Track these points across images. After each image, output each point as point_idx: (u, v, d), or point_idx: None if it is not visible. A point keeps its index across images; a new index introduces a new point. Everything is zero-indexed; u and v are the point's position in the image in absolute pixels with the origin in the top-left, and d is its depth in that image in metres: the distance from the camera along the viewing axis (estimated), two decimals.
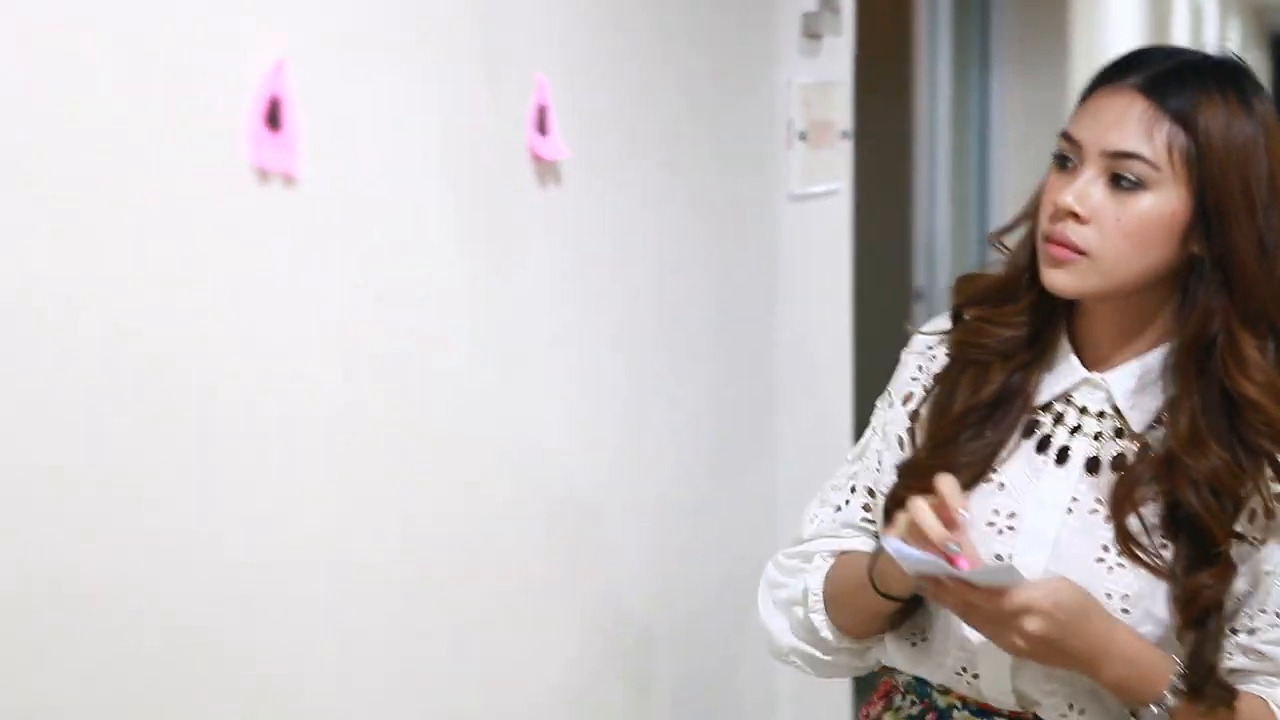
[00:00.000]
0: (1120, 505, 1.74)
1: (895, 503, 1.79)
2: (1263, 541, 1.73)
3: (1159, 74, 1.72)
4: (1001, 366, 1.81)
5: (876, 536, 1.88)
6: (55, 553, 1.15)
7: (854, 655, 1.91)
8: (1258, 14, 19.66)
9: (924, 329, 1.90)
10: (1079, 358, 1.80)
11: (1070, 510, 1.76)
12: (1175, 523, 1.72)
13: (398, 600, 1.63)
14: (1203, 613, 1.71)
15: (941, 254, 5.16)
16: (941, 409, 1.83)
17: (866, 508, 1.86)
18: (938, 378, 1.85)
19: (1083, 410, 1.80)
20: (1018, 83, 5.76)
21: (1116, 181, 1.70)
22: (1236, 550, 1.72)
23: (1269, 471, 1.71)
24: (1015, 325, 1.80)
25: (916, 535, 1.66)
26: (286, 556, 1.44)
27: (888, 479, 1.82)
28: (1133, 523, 1.73)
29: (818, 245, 2.96)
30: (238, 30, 1.33)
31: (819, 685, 2.58)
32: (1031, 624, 1.64)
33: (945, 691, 1.82)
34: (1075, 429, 1.79)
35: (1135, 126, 1.70)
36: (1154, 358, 1.76)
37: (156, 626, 1.26)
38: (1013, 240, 1.83)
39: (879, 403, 1.92)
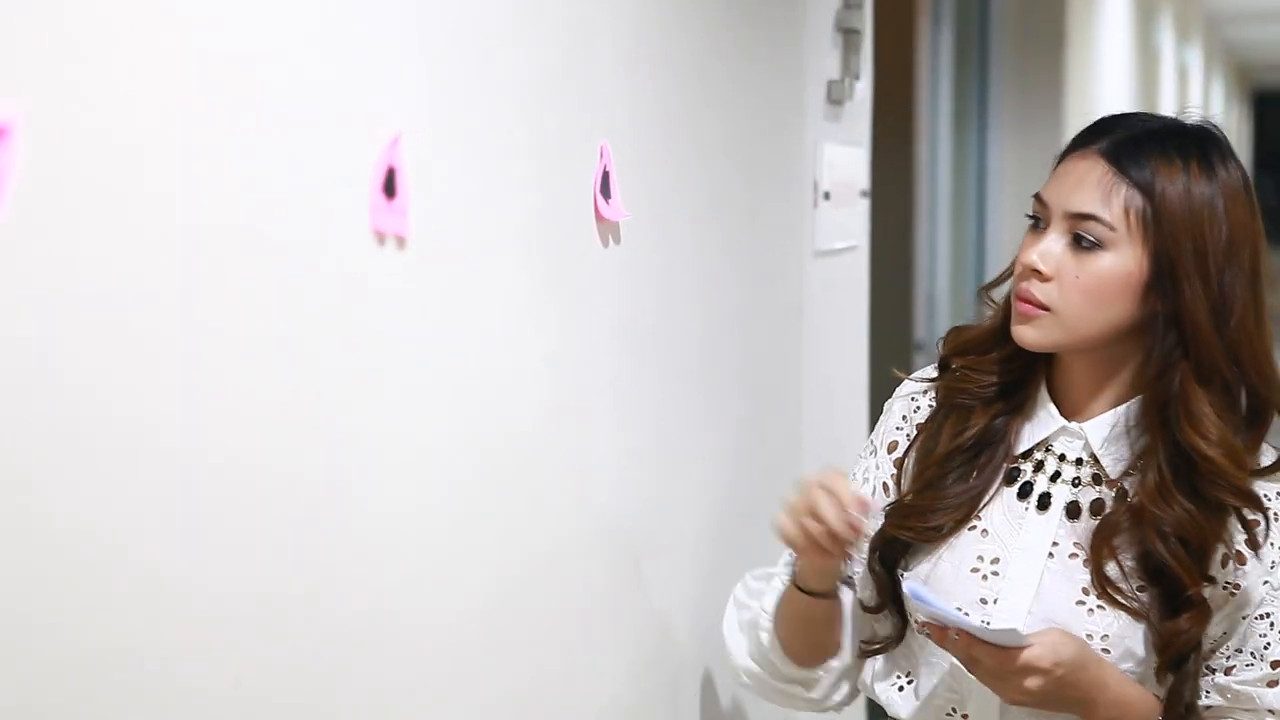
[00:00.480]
0: (1098, 552, 1.76)
1: (885, 542, 1.84)
2: (1236, 586, 1.76)
3: (1122, 140, 1.75)
4: (984, 411, 1.83)
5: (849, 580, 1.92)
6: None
7: (805, 687, 1.93)
8: (1240, 73, 19.84)
9: (911, 377, 1.93)
10: (1058, 407, 1.82)
11: (1051, 555, 1.80)
12: (1149, 570, 1.75)
13: (476, 630, 1.67)
14: (1179, 656, 1.75)
15: (941, 307, 5.17)
16: (926, 452, 1.86)
17: None
18: (921, 426, 1.87)
19: (1061, 457, 1.82)
20: (1014, 144, 5.74)
21: (1078, 241, 1.74)
22: (1210, 594, 1.73)
23: (1235, 521, 1.73)
24: (996, 373, 1.82)
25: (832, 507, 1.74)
26: (392, 603, 1.50)
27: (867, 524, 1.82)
28: (1111, 569, 1.76)
29: (838, 297, 3.00)
30: (365, 106, 1.41)
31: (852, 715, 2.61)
32: (1033, 682, 1.68)
33: None
34: (1055, 475, 1.82)
35: (1095, 190, 1.74)
36: (1128, 408, 1.78)
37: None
38: (1000, 294, 1.88)
39: (861, 450, 1.95)
